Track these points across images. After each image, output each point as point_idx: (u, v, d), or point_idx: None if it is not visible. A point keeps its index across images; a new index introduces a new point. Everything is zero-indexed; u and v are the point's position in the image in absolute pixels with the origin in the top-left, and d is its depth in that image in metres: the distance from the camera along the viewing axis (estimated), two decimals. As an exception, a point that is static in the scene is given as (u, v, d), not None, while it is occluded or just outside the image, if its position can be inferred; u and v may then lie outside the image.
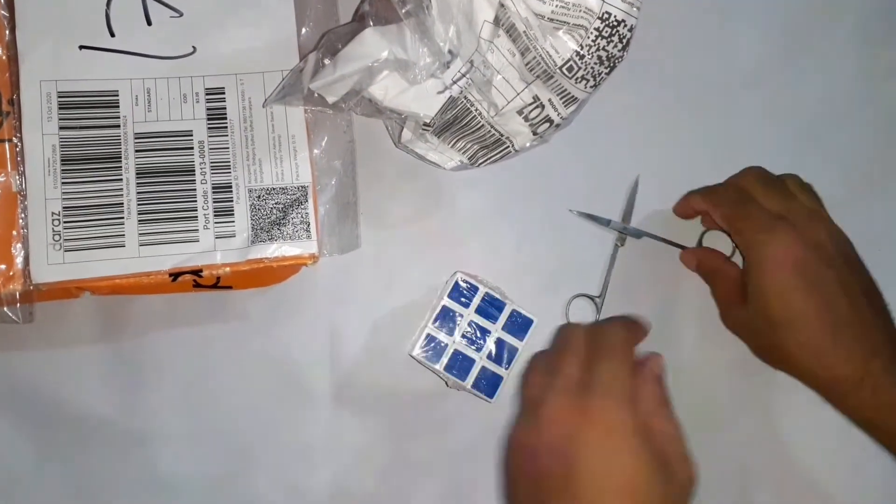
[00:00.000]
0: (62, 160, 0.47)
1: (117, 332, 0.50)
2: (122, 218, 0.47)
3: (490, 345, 0.49)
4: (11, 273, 0.46)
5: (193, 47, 0.49)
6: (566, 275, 0.52)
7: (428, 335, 0.49)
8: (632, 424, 0.41)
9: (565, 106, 0.48)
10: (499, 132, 0.49)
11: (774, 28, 0.56)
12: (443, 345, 0.49)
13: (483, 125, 0.48)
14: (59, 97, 0.47)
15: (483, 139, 0.49)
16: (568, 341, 0.46)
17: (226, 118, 0.49)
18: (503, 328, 0.49)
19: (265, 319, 0.51)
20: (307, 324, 0.51)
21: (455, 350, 0.48)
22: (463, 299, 0.49)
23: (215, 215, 0.48)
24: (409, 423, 0.51)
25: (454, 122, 0.48)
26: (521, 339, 0.49)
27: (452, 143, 0.50)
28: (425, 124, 0.47)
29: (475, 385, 0.48)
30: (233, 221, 0.48)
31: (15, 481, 0.48)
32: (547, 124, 0.48)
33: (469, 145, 0.50)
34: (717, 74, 0.55)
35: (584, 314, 0.52)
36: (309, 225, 0.48)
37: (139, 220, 0.47)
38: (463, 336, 0.49)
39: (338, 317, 0.51)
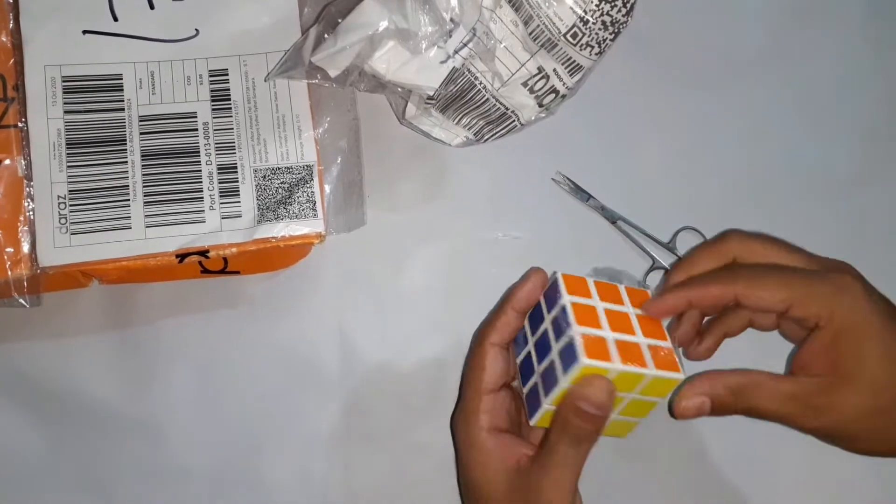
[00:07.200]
0: (67, 144, 0.47)
1: (125, 321, 0.49)
2: (128, 200, 0.47)
3: (546, 362, 0.41)
4: (18, 257, 0.45)
5: (196, 30, 0.49)
6: (578, 255, 0.51)
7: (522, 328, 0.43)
8: None
9: (570, 75, 0.47)
10: (504, 106, 0.48)
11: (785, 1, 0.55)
12: (524, 341, 0.43)
13: (488, 99, 0.48)
14: (64, 81, 0.47)
15: (488, 114, 0.49)
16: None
17: (230, 99, 0.49)
18: (559, 352, 0.40)
19: (273, 305, 0.50)
20: (316, 308, 0.50)
21: (528, 353, 0.43)
22: (549, 303, 0.42)
23: (221, 196, 0.48)
24: (420, 407, 0.50)
25: (459, 96, 0.48)
26: (564, 374, 0.39)
27: (457, 119, 0.49)
28: (429, 98, 0.47)
29: (527, 398, 0.42)
30: (239, 202, 0.48)
31: (23, 470, 0.48)
32: (552, 95, 0.48)
33: (474, 121, 0.49)
34: (725, 46, 0.54)
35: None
36: (315, 204, 0.48)
37: (145, 202, 0.47)
38: (537, 343, 0.42)
39: (346, 300, 0.50)
